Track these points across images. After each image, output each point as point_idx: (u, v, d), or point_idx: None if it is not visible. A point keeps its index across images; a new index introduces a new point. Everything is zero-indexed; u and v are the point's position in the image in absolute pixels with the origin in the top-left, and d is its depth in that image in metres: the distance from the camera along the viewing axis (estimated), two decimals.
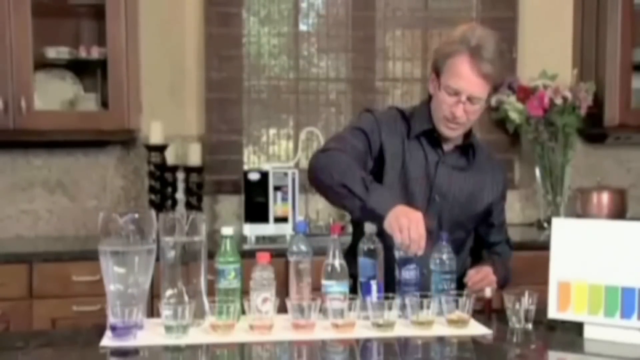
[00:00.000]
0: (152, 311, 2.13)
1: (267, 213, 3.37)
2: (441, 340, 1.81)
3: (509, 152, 3.94)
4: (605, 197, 3.75)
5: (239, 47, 3.73)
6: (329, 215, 3.73)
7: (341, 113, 3.86)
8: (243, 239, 3.34)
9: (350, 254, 2.04)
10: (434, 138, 2.17)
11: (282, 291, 1.93)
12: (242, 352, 1.76)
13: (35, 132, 3.27)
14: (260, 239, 3.37)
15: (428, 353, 1.78)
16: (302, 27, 3.85)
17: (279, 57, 3.85)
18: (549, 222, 3.58)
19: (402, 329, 1.84)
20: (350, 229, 2.38)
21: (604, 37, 3.68)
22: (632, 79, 3.66)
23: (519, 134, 3.88)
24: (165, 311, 1.76)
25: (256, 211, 3.37)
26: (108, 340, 1.75)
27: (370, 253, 1.94)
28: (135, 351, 1.73)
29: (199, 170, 3.54)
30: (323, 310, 1.85)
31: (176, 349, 1.73)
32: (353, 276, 1.97)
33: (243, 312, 1.84)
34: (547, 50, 3.90)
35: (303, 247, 1.92)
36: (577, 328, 1.83)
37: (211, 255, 1.89)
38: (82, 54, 3.40)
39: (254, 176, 3.39)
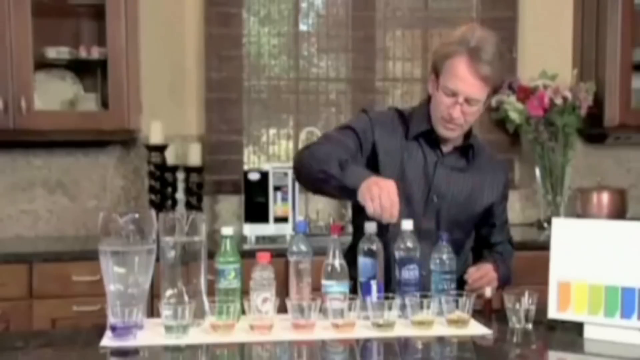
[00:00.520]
0: (152, 311, 2.13)
1: (267, 213, 3.37)
2: (441, 340, 1.81)
3: (509, 152, 3.94)
4: (605, 197, 3.75)
5: (239, 47, 3.74)
6: (329, 215, 3.73)
7: (341, 113, 3.86)
8: (243, 239, 3.34)
9: (350, 255, 2.04)
10: (432, 139, 2.17)
11: (282, 291, 1.93)
12: (242, 352, 1.76)
13: (35, 132, 3.27)
14: (260, 239, 3.37)
15: (428, 353, 1.78)
16: (302, 27, 3.85)
17: (279, 57, 3.85)
18: (549, 222, 3.58)
19: (402, 329, 1.84)
20: (350, 229, 2.38)
21: (604, 37, 3.68)
22: (632, 79, 3.66)
23: (519, 134, 3.88)
24: (165, 311, 1.76)
25: (256, 211, 3.37)
26: (108, 340, 1.75)
27: (370, 253, 1.94)
28: (135, 351, 1.73)
29: (199, 170, 3.54)
30: (323, 310, 1.85)
31: (176, 349, 1.73)
32: (353, 278, 1.96)
33: (243, 312, 1.84)
34: (547, 50, 3.90)
35: (303, 247, 1.92)
36: (577, 328, 1.83)
37: (211, 255, 1.89)
38: (82, 54, 3.40)
39: (254, 176, 3.39)
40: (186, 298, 1.81)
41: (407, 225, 1.97)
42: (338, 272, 1.91)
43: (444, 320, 1.87)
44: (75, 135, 3.39)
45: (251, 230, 3.36)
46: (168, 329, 1.76)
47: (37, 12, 3.24)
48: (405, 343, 1.79)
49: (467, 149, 2.20)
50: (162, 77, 3.65)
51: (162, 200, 3.49)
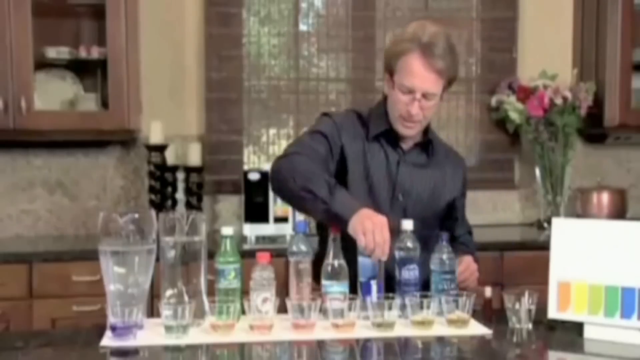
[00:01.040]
0: (152, 311, 2.13)
1: (267, 213, 3.38)
2: (441, 340, 1.81)
3: (509, 152, 3.94)
4: (605, 197, 3.75)
5: (239, 47, 3.74)
6: None
7: None
8: (243, 239, 3.34)
9: (317, 267, 2.00)
10: (392, 138, 2.18)
11: (282, 291, 1.93)
12: (242, 352, 1.76)
13: (35, 132, 3.27)
14: (260, 239, 3.37)
15: (428, 353, 1.78)
16: (302, 27, 3.85)
17: (279, 57, 3.85)
18: (549, 222, 3.58)
19: (402, 329, 1.84)
20: None
21: (604, 37, 3.68)
22: (632, 79, 3.66)
23: (519, 134, 3.88)
24: (165, 311, 1.76)
25: (256, 211, 3.37)
26: (108, 340, 1.75)
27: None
28: (135, 351, 1.73)
29: (199, 170, 3.54)
30: (323, 310, 1.85)
31: (176, 349, 1.73)
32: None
33: (243, 312, 1.84)
34: (547, 50, 3.90)
35: (303, 247, 1.92)
36: (577, 328, 1.83)
37: (211, 255, 1.89)
38: (82, 53, 3.40)
39: (254, 176, 3.39)
40: (186, 298, 1.81)
41: (407, 225, 1.97)
42: (338, 272, 1.91)
43: (444, 320, 1.87)
44: (75, 135, 3.39)
45: (251, 230, 3.36)
46: (168, 329, 1.76)
47: (37, 12, 3.24)
48: (405, 343, 1.80)
49: (426, 144, 2.23)
50: (162, 77, 3.65)
51: (162, 200, 3.49)
